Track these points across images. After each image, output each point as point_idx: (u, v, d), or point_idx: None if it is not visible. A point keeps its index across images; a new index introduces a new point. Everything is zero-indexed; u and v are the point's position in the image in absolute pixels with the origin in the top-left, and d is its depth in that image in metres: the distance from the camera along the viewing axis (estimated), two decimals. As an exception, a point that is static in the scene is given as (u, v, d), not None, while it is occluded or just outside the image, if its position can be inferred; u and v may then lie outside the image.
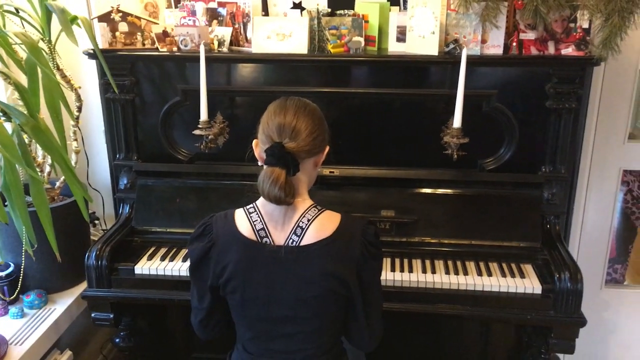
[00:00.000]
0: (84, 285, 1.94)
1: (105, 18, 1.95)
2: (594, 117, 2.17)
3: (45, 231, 1.58)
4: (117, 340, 2.04)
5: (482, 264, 1.86)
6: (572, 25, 1.81)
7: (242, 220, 1.31)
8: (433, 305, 1.78)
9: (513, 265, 1.85)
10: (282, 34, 1.93)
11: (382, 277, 1.63)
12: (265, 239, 1.28)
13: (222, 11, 2.02)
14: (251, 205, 1.32)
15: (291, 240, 1.27)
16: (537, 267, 1.85)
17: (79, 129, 2.11)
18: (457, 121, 1.78)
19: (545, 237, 1.90)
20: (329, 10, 2.02)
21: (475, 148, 1.87)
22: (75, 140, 2.08)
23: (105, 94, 2.03)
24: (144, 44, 2.03)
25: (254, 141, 1.32)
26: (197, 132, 1.88)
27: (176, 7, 2.09)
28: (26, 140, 1.72)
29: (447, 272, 1.82)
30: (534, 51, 1.85)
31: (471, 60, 1.76)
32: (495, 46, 1.85)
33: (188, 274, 1.79)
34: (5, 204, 1.58)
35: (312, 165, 1.32)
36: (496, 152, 1.98)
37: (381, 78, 1.96)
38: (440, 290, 1.78)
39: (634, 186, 2.49)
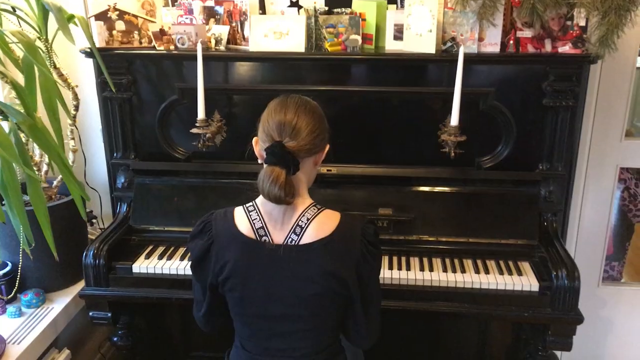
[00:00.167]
0: (81, 284, 1.94)
1: (102, 16, 1.95)
2: (591, 114, 2.17)
3: (42, 230, 1.58)
4: (115, 339, 2.04)
5: (479, 262, 1.86)
6: (569, 23, 1.81)
7: (241, 219, 1.31)
8: (431, 303, 1.78)
9: (510, 263, 1.85)
10: (279, 32, 1.93)
11: (380, 275, 1.63)
12: (264, 238, 1.28)
13: (219, 9, 2.02)
14: (251, 204, 1.32)
15: (290, 239, 1.27)
16: (534, 264, 1.86)
17: (76, 128, 2.10)
18: (454, 119, 1.78)
19: (542, 235, 1.90)
20: (326, 8, 2.02)
21: (472, 146, 1.88)
22: (73, 139, 2.07)
23: (102, 93, 2.03)
24: (141, 43, 2.03)
25: (254, 139, 1.32)
26: (194, 130, 1.88)
27: (173, 5, 2.09)
28: (23, 139, 1.71)
29: (445, 270, 1.82)
30: (531, 49, 1.85)
31: (468, 58, 1.77)
32: (492, 44, 1.85)
33: (186, 273, 1.82)
34: (3, 203, 1.58)
35: (311, 164, 1.32)
36: (493, 150, 1.98)
37: (378, 76, 1.96)
38: (438, 288, 1.78)
39: (631, 183, 2.50)
